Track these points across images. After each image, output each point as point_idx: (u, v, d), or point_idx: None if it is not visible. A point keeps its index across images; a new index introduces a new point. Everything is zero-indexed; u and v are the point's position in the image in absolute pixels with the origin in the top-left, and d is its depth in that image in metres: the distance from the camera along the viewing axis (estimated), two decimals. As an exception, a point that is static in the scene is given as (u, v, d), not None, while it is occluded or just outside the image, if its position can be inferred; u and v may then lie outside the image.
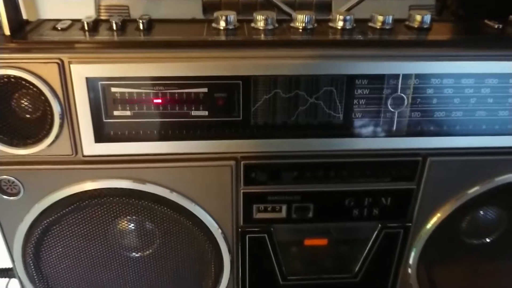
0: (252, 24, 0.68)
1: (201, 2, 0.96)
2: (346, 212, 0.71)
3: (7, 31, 0.60)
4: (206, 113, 0.63)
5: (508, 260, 0.80)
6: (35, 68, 0.57)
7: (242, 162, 0.65)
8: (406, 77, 0.62)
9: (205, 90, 0.62)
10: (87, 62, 0.58)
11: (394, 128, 0.65)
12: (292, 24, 0.68)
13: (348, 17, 0.67)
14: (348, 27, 0.67)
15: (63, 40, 0.61)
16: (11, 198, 0.65)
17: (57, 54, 0.58)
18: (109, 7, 0.97)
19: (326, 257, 0.78)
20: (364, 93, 0.63)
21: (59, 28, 0.65)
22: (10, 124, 0.60)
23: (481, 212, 0.75)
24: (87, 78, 0.58)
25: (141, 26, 0.66)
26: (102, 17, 0.81)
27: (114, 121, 0.62)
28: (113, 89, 0.61)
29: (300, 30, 0.67)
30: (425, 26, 0.68)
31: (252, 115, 0.63)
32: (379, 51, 0.62)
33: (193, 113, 0.63)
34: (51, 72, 0.58)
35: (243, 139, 0.64)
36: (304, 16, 0.67)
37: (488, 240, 0.78)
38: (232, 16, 0.66)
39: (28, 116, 0.60)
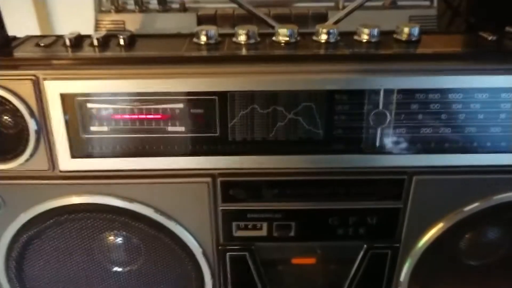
0: (234, 39, 0.67)
1: (196, 16, 0.97)
2: (330, 231, 0.68)
3: (-10, 48, 0.62)
4: (182, 128, 0.63)
5: (506, 281, 0.75)
6: (11, 85, 0.58)
7: (219, 179, 0.64)
8: (388, 92, 0.60)
9: (180, 106, 0.61)
10: (62, 78, 0.58)
11: (377, 144, 0.63)
12: (274, 38, 0.66)
13: (332, 31, 0.66)
14: (332, 40, 0.66)
15: (42, 56, 0.61)
16: (-8, 212, 0.66)
17: (33, 71, 0.58)
18: (105, 22, 0.99)
19: (312, 277, 0.75)
20: (345, 108, 0.61)
21: (42, 45, 0.65)
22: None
23: (477, 231, 0.71)
24: (61, 95, 0.59)
25: (121, 42, 0.66)
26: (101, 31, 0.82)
27: (90, 137, 0.62)
28: (89, 105, 0.61)
29: (282, 44, 0.65)
30: (413, 39, 0.66)
31: (229, 131, 0.62)
32: (359, 66, 0.60)
33: (170, 128, 0.63)
34: (26, 89, 0.58)
35: (220, 155, 0.63)
36: (286, 30, 0.65)
37: (485, 260, 0.74)
38: (213, 30, 0.66)
39: (6, 131, 0.61)
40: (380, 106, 0.61)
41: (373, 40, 0.65)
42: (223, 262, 0.70)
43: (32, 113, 0.59)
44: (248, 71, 0.59)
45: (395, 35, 0.67)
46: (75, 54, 0.63)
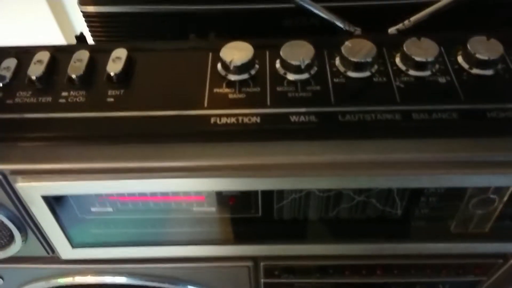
0: (278, 65, 0.45)
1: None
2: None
3: None
4: (213, 209, 0.47)
5: None
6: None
7: (261, 264, 0.51)
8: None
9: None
10: (37, 178, 0.40)
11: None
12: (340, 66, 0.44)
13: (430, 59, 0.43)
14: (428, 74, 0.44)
15: (2, 136, 0.41)
16: (-9, 285, 0.56)
17: (-7, 164, 0.40)
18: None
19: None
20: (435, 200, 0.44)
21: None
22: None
23: None
24: (44, 197, 0.42)
25: (113, 78, 0.45)
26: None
27: (93, 218, 0.47)
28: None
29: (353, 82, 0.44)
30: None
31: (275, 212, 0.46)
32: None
33: (196, 209, 0.47)
34: (-9, 188, 0.42)
35: (262, 243, 0.48)
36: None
37: None
38: (245, 59, 0.43)
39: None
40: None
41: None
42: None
43: (9, 216, 0.43)
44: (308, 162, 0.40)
45: None
46: (47, 114, 0.42)
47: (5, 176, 0.41)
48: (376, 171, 0.40)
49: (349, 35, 0.50)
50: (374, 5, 0.62)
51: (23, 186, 0.40)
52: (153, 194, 0.45)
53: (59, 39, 1.01)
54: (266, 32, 0.67)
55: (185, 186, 0.42)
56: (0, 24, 0.91)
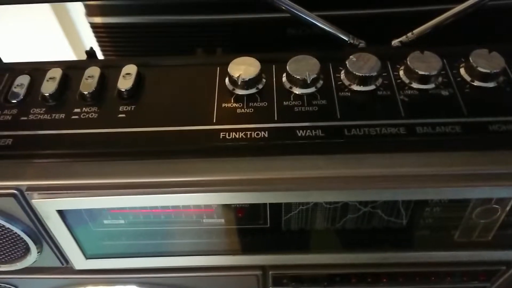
0: (284, 79, 0.46)
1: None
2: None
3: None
4: (222, 220, 0.48)
5: None
6: (-14, 201, 0.42)
7: (270, 272, 0.52)
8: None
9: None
10: (52, 194, 0.42)
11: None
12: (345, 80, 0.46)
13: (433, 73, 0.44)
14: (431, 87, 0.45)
15: (16, 153, 0.43)
16: (7, 294, 0.57)
17: (12, 181, 0.42)
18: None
19: None
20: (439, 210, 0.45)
21: (12, 101, 0.46)
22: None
23: None
24: (58, 211, 0.43)
25: (124, 94, 0.46)
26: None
27: (105, 231, 0.48)
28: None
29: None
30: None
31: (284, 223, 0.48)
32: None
33: (206, 221, 0.48)
34: (9, 204, 0.43)
35: (271, 253, 0.50)
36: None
37: None
38: (253, 75, 0.45)
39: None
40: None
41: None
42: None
43: (25, 229, 0.45)
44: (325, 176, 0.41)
45: None
46: (60, 131, 0.44)
47: (21, 192, 0.42)
48: (382, 184, 0.41)
49: (353, 47, 0.51)
50: (375, 13, 0.63)
51: (39, 201, 0.42)
52: (164, 207, 0.46)
53: (66, 49, 1.02)
54: (270, 42, 0.69)
55: (195, 200, 0.44)
56: (8, 35, 0.92)
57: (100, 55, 0.73)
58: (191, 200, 0.44)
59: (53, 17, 0.93)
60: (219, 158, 0.42)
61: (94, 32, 0.73)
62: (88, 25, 0.73)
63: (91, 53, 0.58)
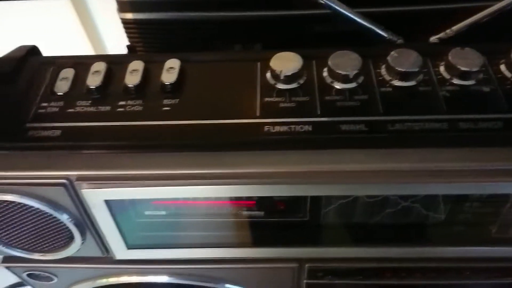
0: (325, 74, 0.47)
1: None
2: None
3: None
4: (262, 213, 0.49)
5: None
6: (38, 191, 0.44)
7: (306, 265, 0.53)
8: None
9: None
10: (101, 185, 0.43)
11: None
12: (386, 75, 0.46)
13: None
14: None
15: (65, 144, 0.44)
16: (45, 282, 0.58)
17: (62, 171, 0.43)
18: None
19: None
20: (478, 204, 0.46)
21: (58, 94, 0.48)
22: (30, 237, 0.49)
23: None
24: (106, 201, 0.44)
25: (168, 87, 0.47)
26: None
27: (148, 226, 0.50)
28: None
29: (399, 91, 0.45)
30: None
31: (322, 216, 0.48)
32: None
33: (246, 213, 0.49)
34: (58, 194, 0.44)
35: (308, 246, 0.50)
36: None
37: None
38: (296, 70, 0.45)
39: (48, 232, 0.49)
40: (533, 200, 0.45)
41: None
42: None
43: (71, 218, 0.46)
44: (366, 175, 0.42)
45: None
46: (107, 123, 0.45)
47: (71, 182, 0.43)
48: (424, 179, 0.42)
49: (391, 44, 0.52)
50: (412, 10, 0.63)
51: (88, 191, 0.43)
52: (206, 199, 0.47)
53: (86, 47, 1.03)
54: (299, 39, 0.69)
55: (239, 192, 0.44)
56: (28, 31, 0.93)
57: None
58: (234, 192, 0.44)
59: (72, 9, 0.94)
60: (264, 151, 0.43)
61: (125, 28, 0.74)
62: (108, 20, 0.73)
63: (132, 48, 0.59)
